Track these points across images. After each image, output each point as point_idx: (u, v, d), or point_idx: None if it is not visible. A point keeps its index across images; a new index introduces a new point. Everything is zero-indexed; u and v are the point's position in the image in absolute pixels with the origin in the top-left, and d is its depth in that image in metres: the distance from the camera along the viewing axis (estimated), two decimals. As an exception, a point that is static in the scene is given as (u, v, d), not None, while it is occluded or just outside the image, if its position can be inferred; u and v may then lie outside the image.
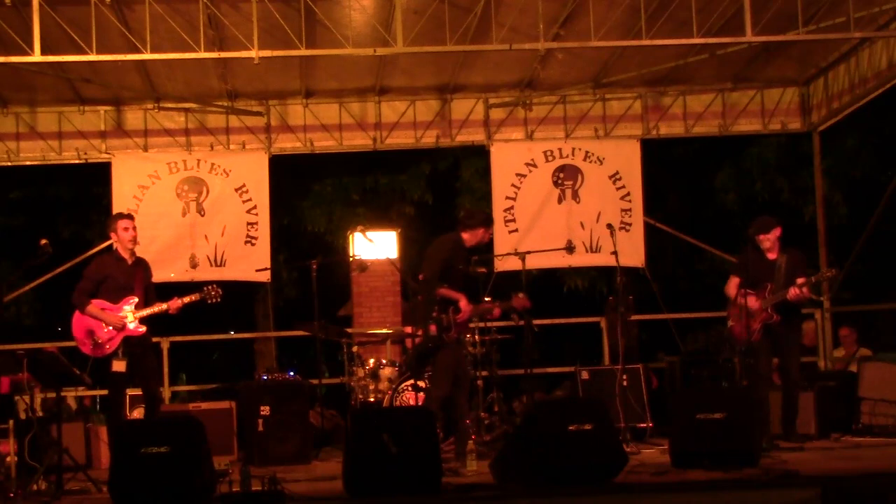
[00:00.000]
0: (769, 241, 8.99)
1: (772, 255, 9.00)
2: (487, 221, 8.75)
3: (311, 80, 11.14)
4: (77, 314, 8.50)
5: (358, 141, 11.77)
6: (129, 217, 8.75)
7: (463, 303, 8.48)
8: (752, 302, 8.85)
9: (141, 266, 8.66)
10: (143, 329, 8.45)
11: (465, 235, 8.68)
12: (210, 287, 8.69)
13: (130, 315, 8.43)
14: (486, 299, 10.23)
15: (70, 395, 10.83)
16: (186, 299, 8.54)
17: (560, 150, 11.73)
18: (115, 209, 11.23)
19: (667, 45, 9.73)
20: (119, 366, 8.37)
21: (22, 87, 10.81)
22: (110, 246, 8.82)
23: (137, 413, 9.43)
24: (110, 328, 8.38)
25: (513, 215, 11.62)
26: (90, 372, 9.69)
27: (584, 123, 11.81)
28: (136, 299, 8.47)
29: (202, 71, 10.59)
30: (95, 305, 8.43)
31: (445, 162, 15.74)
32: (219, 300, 8.66)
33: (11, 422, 8.09)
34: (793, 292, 8.77)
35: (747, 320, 8.80)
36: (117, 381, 8.45)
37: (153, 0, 8.74)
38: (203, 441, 6.86)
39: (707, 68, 11.10)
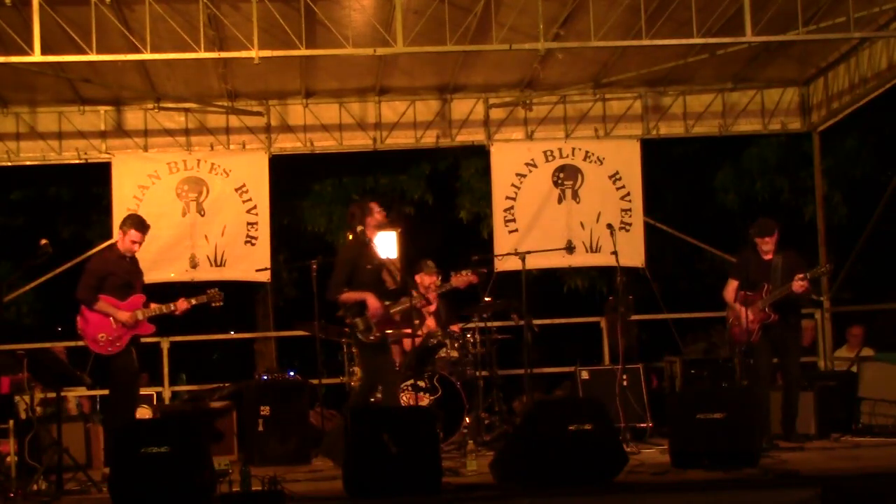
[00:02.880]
0: (768, 244, 9.01)
1: (768, 257, 9.02)
2: (365, 206, 8.72)
3: (311, 80, 11.14)
4: (84, 312, 8.47)
5: (358, 141, 11.77)
6: (143, 230, 8.64)
7: (370, 300, 8.40)
8: (750, 312, 8.86)
9: (137, 264, 8.74)
10: (152, 328, 8.55)
11: (368, 231, 8.65)
12: (214, 291, 8.79)
13: (140, 313, 8.46)
14: (487, 299, 10.25)
15: (71, 395, 10.84)
16: (194, 301, 8.62)
17: (560, 150, 11.73)
18: (116, 209, 11.28)
19: (667, 45, 9.72)
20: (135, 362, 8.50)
21: (22, 87, 10.81)
22: (113, 243, 8.84)
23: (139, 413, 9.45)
24: (120, 325, 8.40)
25: (513, 215, 11.62)
26: (90, 371, 9.73)
27: (584, 123, 11.81)
28: (144, 298, 8.51)
29: (202, 71, 10.59)
30: (105, 301, 8.45)
31: (445, 162, 15.73)
32: (221, 303, 8.77)
33: (11, 422, 8.10)
34: (797, 285, 8.76)
35: (746, 322, 8.83)
36: (133, 377, 8.52)
37: (153, 0, 8.74)
38: (203, 441, 6.86)
39: (707, 68, 11.10)
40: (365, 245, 8.63)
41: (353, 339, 8.65)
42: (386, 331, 8.49)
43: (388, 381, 8.55)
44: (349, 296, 8.43)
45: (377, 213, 8.69)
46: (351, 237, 8.85)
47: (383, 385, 8.55)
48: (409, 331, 8.98)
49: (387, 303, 8.52)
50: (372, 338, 8.42)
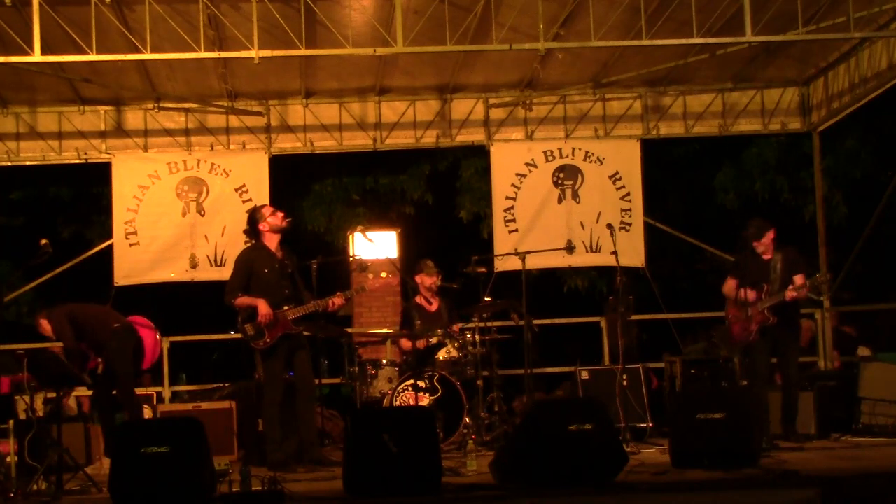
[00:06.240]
0: (763, 245, 9.02)
1: (767, 256, 9.03)
2: (258, 211, 8.75)
3: (311, 80, 11.14)
4: None
5: (358, 141, 11.77)
6: None
7: (259, 306, 8.44)
8: (752, 296, 8.86)
9: None
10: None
11: (264, 238, 8.66)
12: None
13: None
14: (487, 299, 10.25)
15: (71, 395, 10.84)
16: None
17: (560, 150, 11.73)
18: (116, 209, 11.31)
19: (667, 45, 9.72)
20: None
21: (22, 87, 10.81)
22: None
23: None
24: None
25: (513, 215, 11.62)
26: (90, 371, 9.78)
27: (584, 123, 11.81)
28: None
29: (202, 71, 10.60)
30: None
31: (445, 162, 15.73)
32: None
33: (11, 422, 8.10)
34: (790, 295, 8.78)
35: (745, 320, 8.82)
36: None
37: (153, 0, 8.74)
38: (203, 441, 6.86)
39: (707, 68, 11.10)
40: (261, 249, 8.68)
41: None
42: (279, 335, 8.52)
43: (270, 387, 8.62)
44: (242, 300, 8.51)
45: (269, 217, 8.71)
46: (244, 249, 8.92)
47: (266, 392, 8.65)
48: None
49: (286, 307, 8.54)
50: (262, 343, 8.52)
